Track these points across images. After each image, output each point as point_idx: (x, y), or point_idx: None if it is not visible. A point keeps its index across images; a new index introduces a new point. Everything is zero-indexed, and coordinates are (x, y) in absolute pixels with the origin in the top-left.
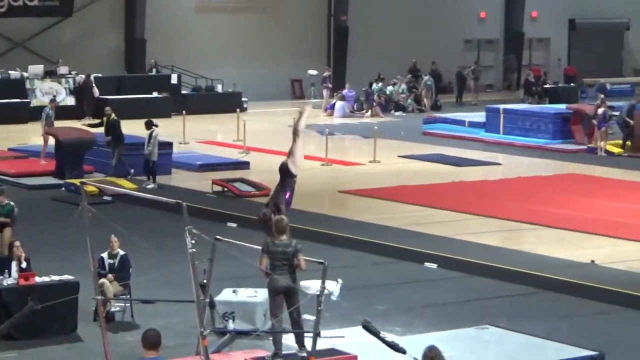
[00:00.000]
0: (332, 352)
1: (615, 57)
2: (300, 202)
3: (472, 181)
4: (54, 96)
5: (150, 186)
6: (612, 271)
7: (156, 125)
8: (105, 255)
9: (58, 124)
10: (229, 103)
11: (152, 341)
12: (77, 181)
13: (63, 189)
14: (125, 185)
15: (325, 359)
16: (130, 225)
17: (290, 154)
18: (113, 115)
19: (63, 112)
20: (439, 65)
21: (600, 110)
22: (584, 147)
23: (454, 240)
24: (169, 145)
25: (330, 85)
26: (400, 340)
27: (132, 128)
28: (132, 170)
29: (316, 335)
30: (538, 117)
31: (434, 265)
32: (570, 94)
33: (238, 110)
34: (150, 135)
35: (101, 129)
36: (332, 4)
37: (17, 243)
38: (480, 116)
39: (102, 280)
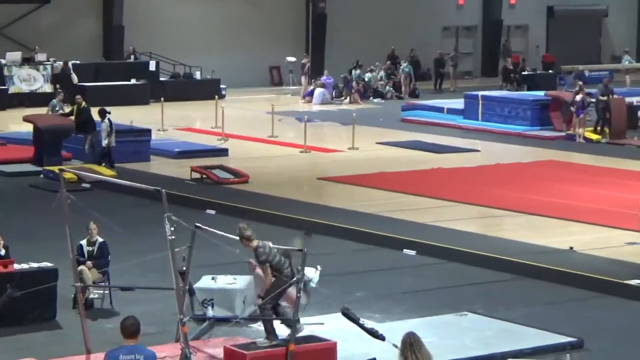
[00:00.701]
0: (312, 338)
1: (593, 44)
2: (279, 189)
3: (451, 168)
4: (61, 90)
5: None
6: (590, 258)
7: (109, 113)
8: (84, 242)
9: (35, 111)
10: (208, 90)
11: (130, 330)
12: (55, 168)
13: (42, 176)
14: (104, 173)
15: (305, 346)
16: (109, 212)
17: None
18: (83, 103)
19: (41, 99)
20: (417, 52)
21: (579, 97)
22: (563, 134)
23: (433, 227)
24: (147, 132)
25: (308, 72)
26: (379, 327)
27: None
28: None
29: (295, 322)
30: (516, 104)
31: (412, 252)
32: (549, 81)
33: (216, 97)
34: (111, 124)
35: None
36: None
37: None
38: (458, 103)
39: (81, 267)
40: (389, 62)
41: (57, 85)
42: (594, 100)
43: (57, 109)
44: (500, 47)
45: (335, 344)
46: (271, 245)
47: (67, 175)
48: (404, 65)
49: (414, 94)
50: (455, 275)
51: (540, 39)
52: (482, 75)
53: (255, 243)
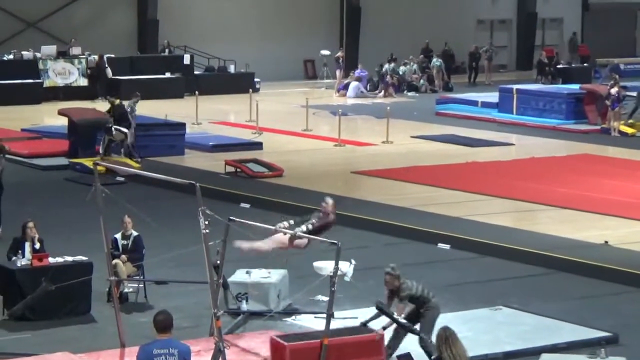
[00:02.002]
0: (358, 330)
1: (629, 37)
2: (313, 183)
3: (485, 162)
4: (139, 94)
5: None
6: (625, 252)
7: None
8: (118, 236)
9: (70, 104)
10: (242, 83)
11: (162, 325)
12: (88, 161)
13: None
14: (134, 166)
15: (352, 338)
16: (144, 206)
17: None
18: (117, 100)
19: (76, 93)
20: (451, 46)
21: (614, 91)
22: (597, 127)
23: (467, 220)
24: (182, 126)
25: (343, 65)
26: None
27: (145, 109)
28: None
29: (330, 316)
30: (551, 97)
31: (447, 246)
32: (583, 74)
33: (251, 90)
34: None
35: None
36: None
37: (31, 224)
38: (493, 96)
39: (116, 261)
40: (422, 55)
41: (137, 93)
42: (629, 93)
43: (130, 110)
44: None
45: (382, 335)
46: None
47: (98, 167)
48: (435, 60)
49: (447, 88)
50: (490, 270)
51: (576, 32)
52: (516, 68)
53: (400, 281)
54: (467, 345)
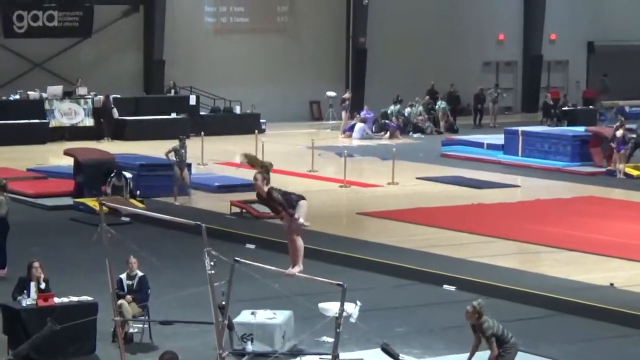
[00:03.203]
0: None
1: (634, 80)
2: (318, 224)
3: (491, 203)
4: (184, 136)
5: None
6: (631, 294)
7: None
8: (123, 276)
9: (76, 144)
10: (248, 124)
11: None
12: (92, 201)
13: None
14: (138, 206)
15: None
16: (149, 246)
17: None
18: None
19: (82, 133)
20: (457, 87)
21: (619, 133)
22: (603, 169)
23: (473, 262)
24: (188, 166)
25: (349, 107)
26: None
27: (151, 149)
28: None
29: (335, 357)
30: (557, 139)
31: (452, 288)
32: (589, 117)
33: (256, 131)
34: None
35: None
36: (351, 26)
37: (36, 264)
38: (498, 138)
39: (121, 301)
40: (428, 97)
41: (181, 136)
42: (634, 135)
43: (180, 154)
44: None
45: None
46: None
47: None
48: (440, 102)
49: (452, 129)
50: (495, 311)
51: (581, 74)
52: (522, 110)
53: (481, 319)
54: None
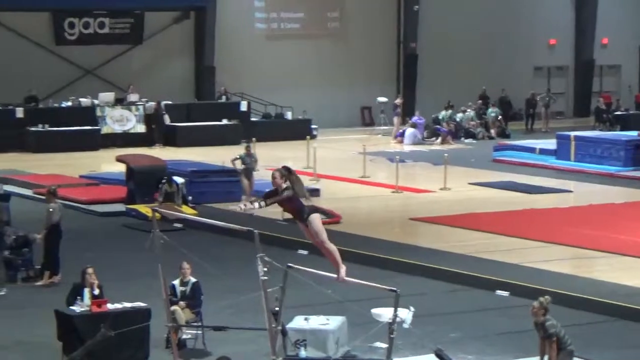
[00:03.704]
0: None
1: None
2: (371, 230)
3: (543, 209)
4: (248, 143)
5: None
6: None
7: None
8: (176, 282)
9: (128, 151)
10: (299, 130)
11: None
12: (144, 208)
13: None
14: (192, 212)
15: None
16: (202, 252)
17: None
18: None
19: (133, 140)
20: (508, 92)
21: None
22: None
23: (526, 267)
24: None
25: (400, 112)
26: None
27: (202, 155)
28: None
29: None
30: (610, 144)
31: (505, 293)
32: None
33: (308, 137)
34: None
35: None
36: (402, 31)
37: (90, 270)
38: (551, 143)
39: (174, 307)
40: (480, 102)
41: (247, 144)
42: None
43: (247, 162)
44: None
45: None
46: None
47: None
48: (490, 110)
49: (504, 135)
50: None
51: (633, 78)
52: (574, 115)
53: (545, 317)
54: None
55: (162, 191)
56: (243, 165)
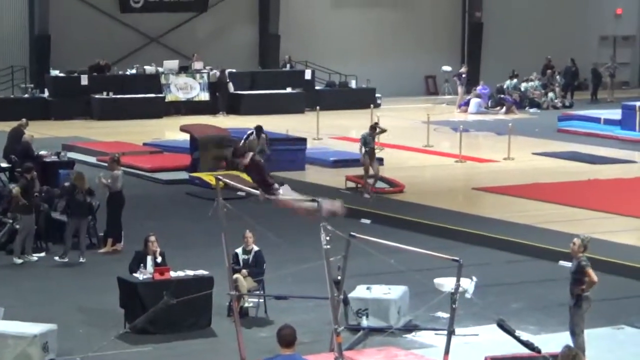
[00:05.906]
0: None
1: None
2: (433, 199)
3: (607, 179)
4: (376, 123)
5: None
6: None
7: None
8: (239, 250)
9: (191, 119)
10: (363, 99)
11: (288, 340)
12: (208, 176)
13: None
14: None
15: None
16: (265, 221)
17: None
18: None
19: (197, 108)
20: (575, 62)
21: None
22: None
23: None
24: (303, 141)
25: (464, 82)
26: (534, 339)
27: (266, 124)
28: None
29: (450, 333)
30: None
31: (569, 264)
32: None
33: (372, 106)
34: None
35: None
36: (467, 0)
37: (152, 238)
38: (616, 113)
39: (237, 275)
40: (549, 71)
41: (376, 123)
42: None
43: (368, 141)
44: None
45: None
46: None
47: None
48: (558, 78)
49: (568, 105)
50: (612, 288)
51: None
52: (639, 85)
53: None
54: None
55: (246, 143)
56: (366, 148)
